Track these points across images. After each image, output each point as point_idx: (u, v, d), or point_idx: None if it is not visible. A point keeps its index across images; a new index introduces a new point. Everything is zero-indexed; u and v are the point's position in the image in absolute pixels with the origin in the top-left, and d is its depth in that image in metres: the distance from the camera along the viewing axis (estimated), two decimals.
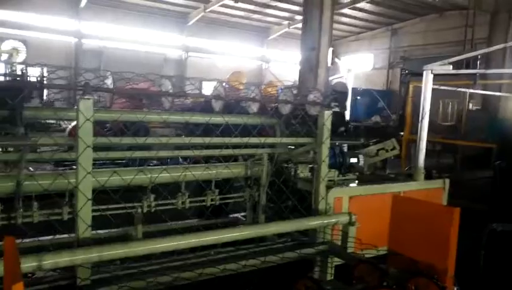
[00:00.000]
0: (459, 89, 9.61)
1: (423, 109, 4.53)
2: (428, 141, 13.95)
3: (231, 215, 4.33)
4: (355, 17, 22.79)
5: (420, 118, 4.55)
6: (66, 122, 6.41)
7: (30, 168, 2.99)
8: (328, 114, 3.47)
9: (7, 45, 16.88)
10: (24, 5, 17.61)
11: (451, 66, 4.36)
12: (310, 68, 7.97)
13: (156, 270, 2.84)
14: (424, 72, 4.45)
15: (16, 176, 2.74)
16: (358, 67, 26.40)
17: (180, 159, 4.76)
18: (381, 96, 15.81)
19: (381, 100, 12.60)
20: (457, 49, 15.44)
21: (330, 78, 6.13)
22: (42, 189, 2.69)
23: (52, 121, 6.41)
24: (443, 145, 11.83)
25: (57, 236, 3.00)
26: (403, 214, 2.92)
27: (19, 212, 2.84)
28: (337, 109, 3.50)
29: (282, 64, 24.71)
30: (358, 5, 20.28)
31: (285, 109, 3.54)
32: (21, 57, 16.49)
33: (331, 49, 6.08)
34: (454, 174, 9.57)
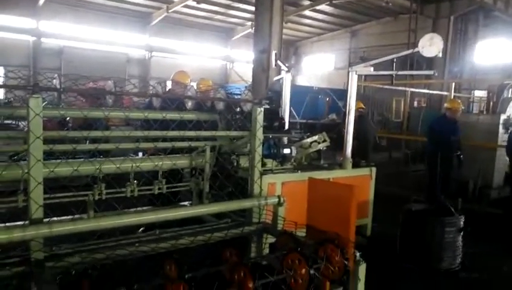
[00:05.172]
0: (401, 88, 10.41)
1: (348, 105, 5.11)
2: (380, 137, 14.74)
3: (179, 204, 4.72)
4: (316, 19, 23.62)
5: (347, 114, 5.12)
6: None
7: None
8: (259, 110, 3.95)
9: None
10: None
11: (372, 68, 4.96)
12: (262, 69, 8.55)
13: (106, 247, 3.21)
14: (349, 73, 5.02)
15: None
16: (320, 67, 27.36)
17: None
18: (338, 95, 16.59)
19: (335, 99, 13.35)
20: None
21: (274, 79, 6.68)
22: None
23: (8, 122, 6.65)
24: (393, 141, 12.71)
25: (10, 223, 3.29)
26: (316, 193, 3.44)
27: None
28: (267, 106, 3.98)
29: (246, 64, 25.18)
30: (318, 7, 21.07)
31: (220, 106, 4.00)
32: None
33: (274, 52, 6.67)
34: (393, 167, 10.40)
